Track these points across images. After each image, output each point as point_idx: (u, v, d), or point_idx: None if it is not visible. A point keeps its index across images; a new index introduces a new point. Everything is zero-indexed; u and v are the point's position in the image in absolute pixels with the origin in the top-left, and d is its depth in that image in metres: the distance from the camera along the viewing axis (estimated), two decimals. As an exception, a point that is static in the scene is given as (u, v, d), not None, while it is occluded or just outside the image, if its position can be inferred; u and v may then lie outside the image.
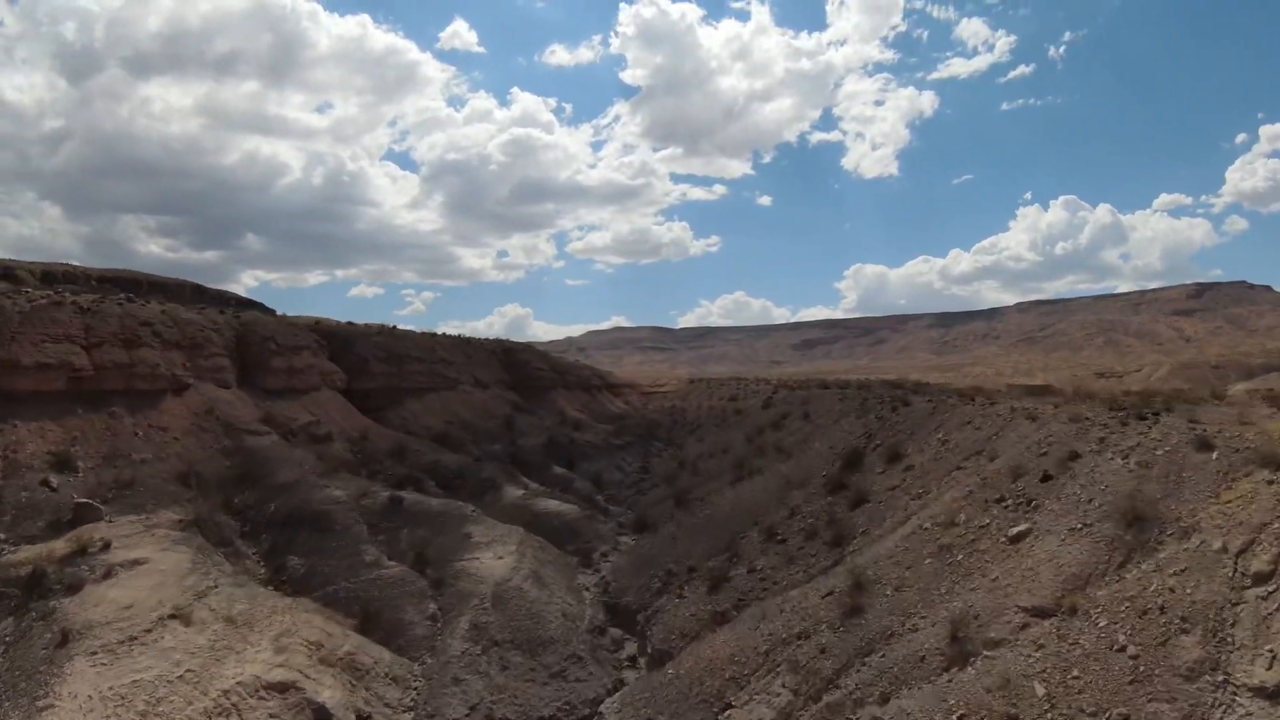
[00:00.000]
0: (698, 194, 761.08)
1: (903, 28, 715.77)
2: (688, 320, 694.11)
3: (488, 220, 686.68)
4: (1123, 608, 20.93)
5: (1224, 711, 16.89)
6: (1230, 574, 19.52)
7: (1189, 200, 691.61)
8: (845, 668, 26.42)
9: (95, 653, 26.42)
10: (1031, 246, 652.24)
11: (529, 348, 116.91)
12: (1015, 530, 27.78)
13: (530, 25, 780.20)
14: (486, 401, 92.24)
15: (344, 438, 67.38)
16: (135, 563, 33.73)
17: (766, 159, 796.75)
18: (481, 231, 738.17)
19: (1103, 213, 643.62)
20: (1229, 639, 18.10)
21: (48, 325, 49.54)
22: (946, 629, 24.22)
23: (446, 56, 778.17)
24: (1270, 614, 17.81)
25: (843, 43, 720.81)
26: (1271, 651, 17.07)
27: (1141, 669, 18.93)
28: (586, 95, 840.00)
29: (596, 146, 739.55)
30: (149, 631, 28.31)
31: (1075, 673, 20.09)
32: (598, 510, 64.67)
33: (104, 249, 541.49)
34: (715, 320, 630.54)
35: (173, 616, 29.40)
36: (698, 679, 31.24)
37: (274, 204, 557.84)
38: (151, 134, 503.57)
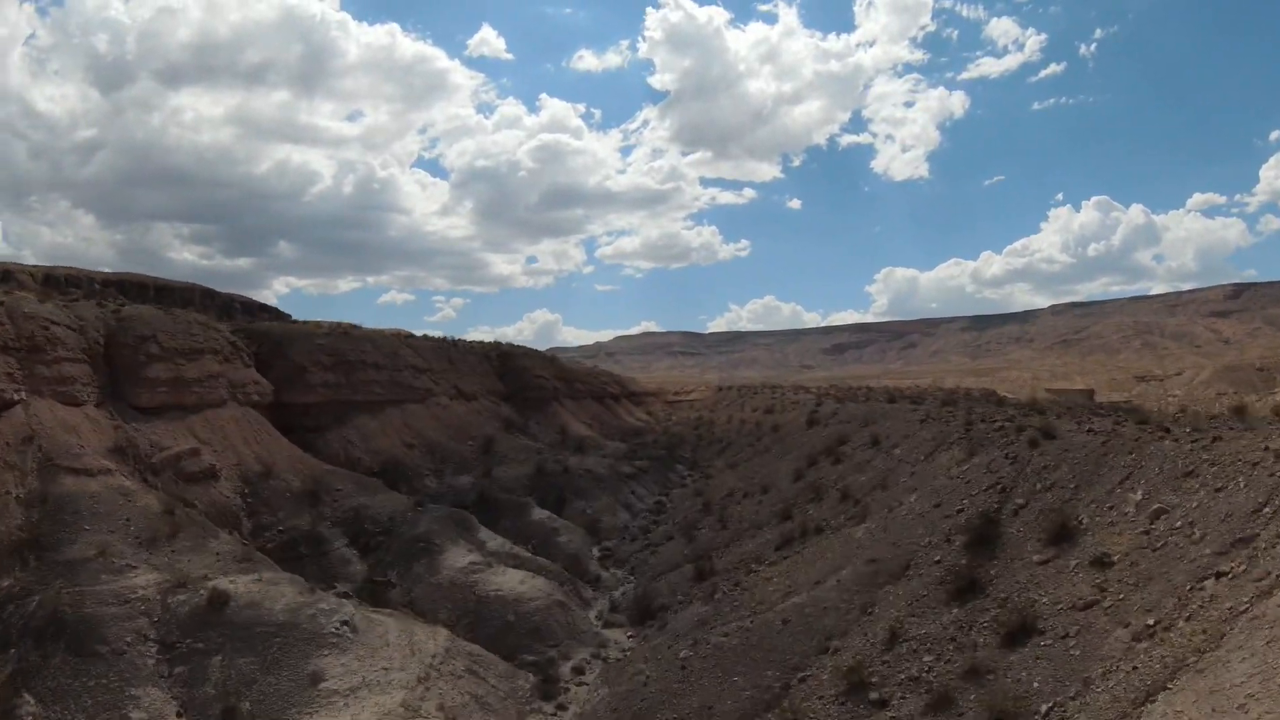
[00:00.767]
0: (727, 198, 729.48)
1: (932, 27, 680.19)
2: (717, 325, 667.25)
3: (517, 226, 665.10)
4: None
5: None
6: None
7: (1223, 199, 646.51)
8: None
9: None
10: (1064, 248, 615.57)
11: (530, 352, 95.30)
12: None
13: (558, 31, 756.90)
14: (467, 417, 70.97)
15: (237, 475, 46.57)
16: None
17: (796, 162, 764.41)
18: (511, 238, 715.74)
19: (1135, 213, 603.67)
20: None
21: None
22: None
23: (475, 64, 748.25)
24: None
25: (871, 44, 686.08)
26: None
27: None
28: (615, 100, 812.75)
29: (625, 152, 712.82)
30: None
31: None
32: (581, 583, 42.90)
33: (138, 257, 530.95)
34: (745, 325, 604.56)
35: None
36: None
37: (305, 212, 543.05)
38: (183, 143, 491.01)
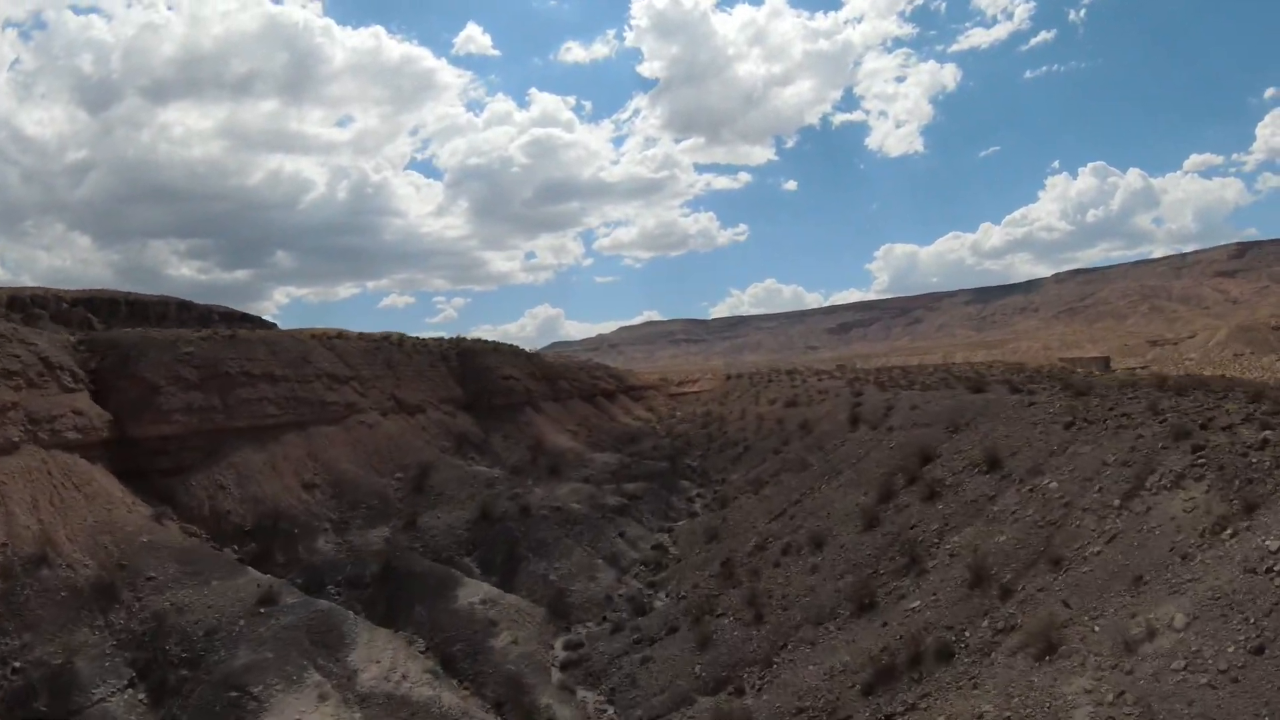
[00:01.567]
0: (722, 183, 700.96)
1: (919, 0, 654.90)
2: (719, 310, 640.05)
3: (514, 223, 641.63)
4: None
5: None
6: None
7: (1220, 160, 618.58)
8: None
9: None
10: (1062, 216, 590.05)
11: (499, 348, 75.48)
12: None
13: (543, 24, 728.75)
14: (403, 437, 51.87)
15: (-35, 571, 27.54)
16: None
17: (789, 143, 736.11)
18: (508, 234, 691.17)
19: (1133, 177, 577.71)
20: None
21: None
22: None
23: (462, 62, 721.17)
24: None
25: (859, 20, 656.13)
26: None
27: None
28: (605, 91, 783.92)
29: (618, 142, 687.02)
30: None
31: None
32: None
33: (136, 275, 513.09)
34: (747, 309, 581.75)
35: None
36: None
37: (301, 220, 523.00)
38: (174, 159, 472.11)
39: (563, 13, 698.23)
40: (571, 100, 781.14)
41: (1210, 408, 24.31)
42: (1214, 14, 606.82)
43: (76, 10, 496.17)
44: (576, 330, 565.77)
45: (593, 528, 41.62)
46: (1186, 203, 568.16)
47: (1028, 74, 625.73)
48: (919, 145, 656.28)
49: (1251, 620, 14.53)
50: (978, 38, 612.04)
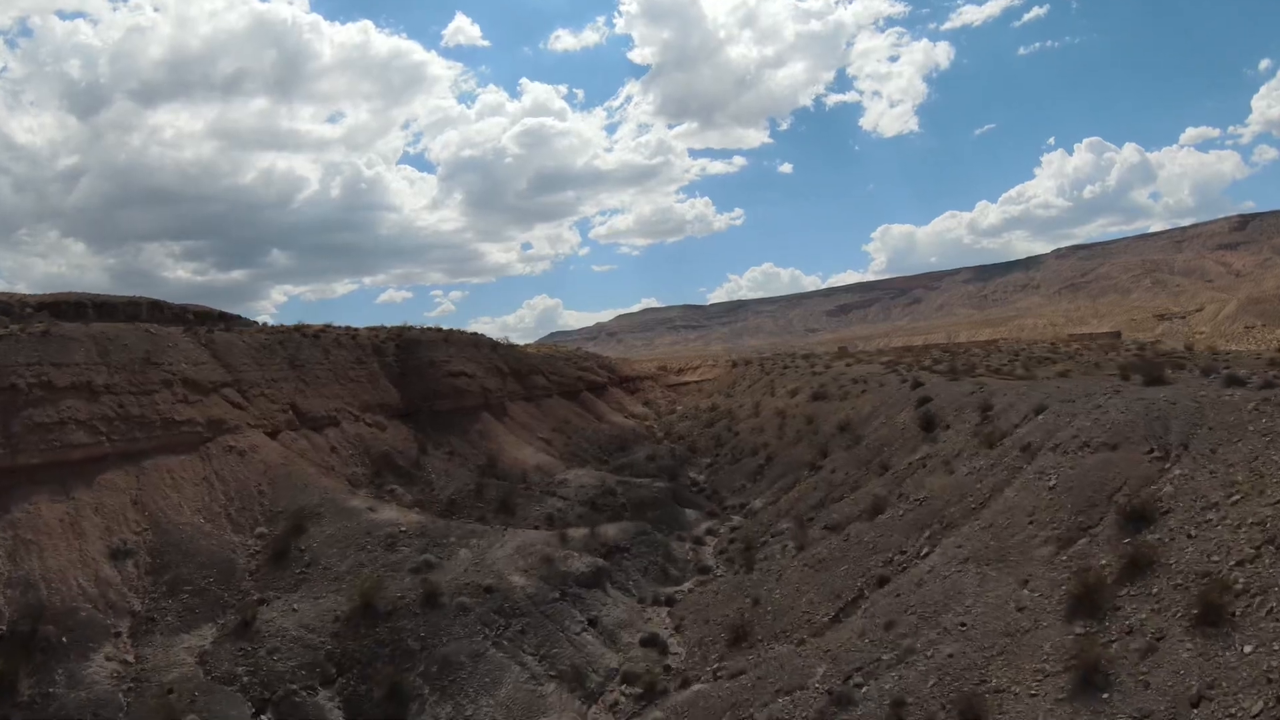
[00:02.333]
0: (717, 168, 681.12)
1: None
2: (718, 295, 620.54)
3: (509, 214, 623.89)
4: None
5: None
6: None
7: (1216, 132, 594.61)
8: None
9: None
10: (1059, 192, 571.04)
11: (451, 336, 58.14)
12: None
13: (532, 13, 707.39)
14: (290, 465, 35.61)
15: None
16: None
17: (784, 126, 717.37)
18: (504, 226, 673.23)
19: (1129, 152, 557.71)
20: None
21: None
22: None
23: (452, 53, 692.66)
24: None
25: (851, 0, 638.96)
26: None
27: None
28: (596, 78, 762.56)
29: (611, 129, 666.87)
30: None
31: None
32: None
33: (132, 279, 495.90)
34: (745, 293, 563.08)
35: None
36: None
37: (295, 218, 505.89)
38: (166, 161, 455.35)
39: (552, 1, 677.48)
40: (563, 89, 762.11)
41: None
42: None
43: (62, 15, 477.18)
44: (575, 320, 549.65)
45: (545, 620, 25.25)
46: (1184, 176, 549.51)
47: (1021, 50, 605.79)
48: (914, 125, 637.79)
49: None
50: (970, 15, 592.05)
